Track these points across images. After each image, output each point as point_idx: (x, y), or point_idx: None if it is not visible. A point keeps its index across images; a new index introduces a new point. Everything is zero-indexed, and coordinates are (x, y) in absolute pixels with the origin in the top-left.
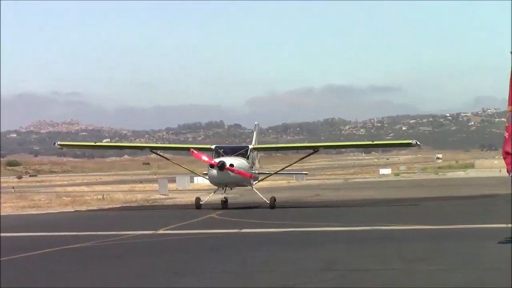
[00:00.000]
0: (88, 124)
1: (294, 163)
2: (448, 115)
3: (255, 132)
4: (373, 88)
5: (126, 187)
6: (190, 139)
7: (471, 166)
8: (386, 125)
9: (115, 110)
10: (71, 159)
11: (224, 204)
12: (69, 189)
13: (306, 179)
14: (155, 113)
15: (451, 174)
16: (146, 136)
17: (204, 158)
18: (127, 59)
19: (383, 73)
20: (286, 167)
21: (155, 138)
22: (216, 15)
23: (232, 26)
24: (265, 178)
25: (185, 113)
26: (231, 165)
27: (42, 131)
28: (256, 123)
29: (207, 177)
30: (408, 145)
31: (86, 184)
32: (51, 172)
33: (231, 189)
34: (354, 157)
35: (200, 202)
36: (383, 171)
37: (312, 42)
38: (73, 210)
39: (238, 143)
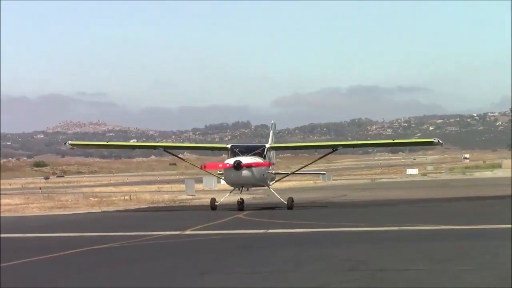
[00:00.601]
0: (115, 125)
1: (312, 162)
2: (475, 115)
3: (271, 131)
4: (400, 88)
5: (153, 187)
6: (216, 140)
7: (498, 166)
8: (413, 125)
9: (141, 111)
10: (98, 159)
11: (241, 205)
12: (96, 189)
13: (333, 179)
14: (182, 113)
15: (478, 174)
16: (173, 136)
17: (221, 165)
18: (151, 60)
19: (410, 73)
20: (303, 167)
21: (181, 138)
22: (243, 16)
23: (258, 27)
24: (282, 178)
25: (211, 113)
26: (248, 163)
27: (69, 131)
28: (272, 121)
29: (223, 177)
30: (430, 143)
31: (113, 185)
32: (78, 172)
33: (247, 189)
34: (381, 157)
35: (216, 203)
36: (410, 171)
37: (339, 42)
38: (100, 210)
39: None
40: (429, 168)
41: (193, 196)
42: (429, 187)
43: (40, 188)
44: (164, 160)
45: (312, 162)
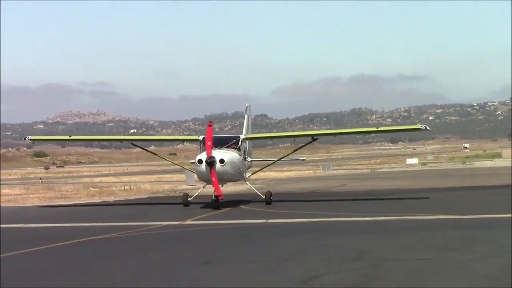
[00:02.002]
0: (115, 115)
1: (293, 152)
2: (475, 104)
3: (246, 116)
4: (401, 77)
5: (153, 177)
6: (216, 129)
7: (498, 155)
8: (413, 114)
9: (141, 100)
10: (98, 149)
11: (215, 203)
12: (96, 179)
13: (333, 169)
14: (182, 103)
15: (478, 164)
16: (173, 126)
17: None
18: (153, 49)
19: (411, 61)
20: (282, 157)
21: (181, 128)
22: (241, 5)
23: (258, 16)
24: (263, 168)
25: (211, 103)
26: (222, 160)
27: (69, 122)
28: (247, 104)
29: (194, 171)
30: (417, 129)
31: (113, 175)
32: (78, 163)
33: (222, 185)
34: (381, 147)
35: (189, 199)
36: (410, 160)
37: (339, 31)
38: (100, 200)
39: (264, 133)
40: (429, 157)
41: (194, 186)
42: (429, 177)
43: (40, 179)
44: (164, 150)
45: (293, 152)
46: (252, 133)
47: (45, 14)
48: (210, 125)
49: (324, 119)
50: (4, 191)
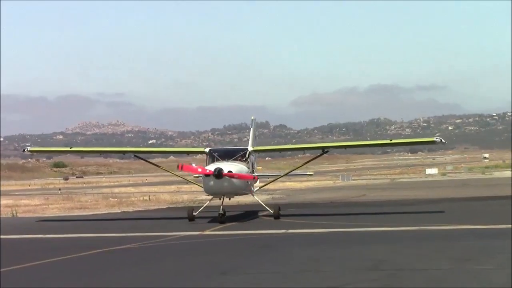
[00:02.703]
0: (134, 126)
1: (303, 165)
2: (494, 114)
3: (252, 129)
4: (419, 87)
5: (172, 188)
6: (235, 140)
7: None
8: (433, 124)
9: (158, 111)
10: (117, 160)
11: (222, 217)
12: (116, 190)
13: (352, 179)
14: (200, 114)
15: (498, 174)
16: (192, 137)
17: (199, 170)
18: (171, 60)
19: (428, 71)
20: (291, 171)
21: (200, 139)
22: (260, 15)
23: (276, 27)
24: (270, 182)
25: (230, 114)
26: (230, 172)
27: (88, 132)
28: (252, 118)
29: (202, 185)
30: (432, 142)
31: (133, 185)
32: (98, 173)
33: (229, 199)
34: (400, 157)
35: (194, 213)
36: (430, 171)
37: (357, 41)
38: (119, 211)
39: (283, 143)
40: (449, 167)
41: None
42: (448, 187)
43: (59, 189)
44: (183, 161)
45: (304, 164)
46: (262, 145)
47: (61, 23)
48: (179, 168)
49: (343, 129)
50: (23, 201)
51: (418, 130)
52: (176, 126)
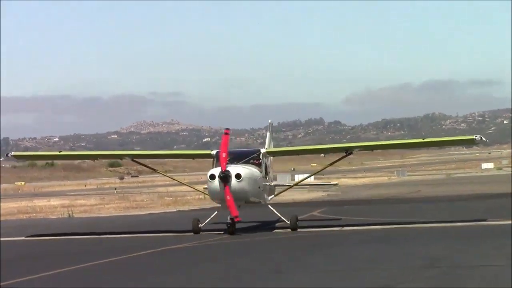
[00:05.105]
0: (188, 124)
1: (324, 168)
2: None
3: (268, 133)
4: (473, 81)
5: None
6: (290, 137)
7: None
8: (488, 119)
9: (213, 109)
10: (173, 158)
11: (231, 227)
12: (171, 189)
13: (407, 175)
14: (254, 111)
15: None
16: (246, 134)
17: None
18: (225, 58)
19: (482, 66)
20: (308, 176)
21: (255, 136)
22: (313, 14)
23: (329, 24)
24: (283, 192)
25: (284, 111)
26: (238, 175)
27: (143, 131)
28: (270, 121)
29: (207, 191)
30: (471, 141)
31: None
32: (153, 172)
33: (239, 206)
34: (455, 152)
35: (200, 225)
36: (485, 165)
37: (410, 37)
38: (175, 210)
39: (338, 140)
40: (504, 162)
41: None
42: (504, 182)
43: (115, 189)
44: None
45: (327, 166)
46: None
47: (116, 24)
48: (226, 133)
49: (398, 125)
50: (79, 201)
51: (473, 125)
52: (229, 124)
